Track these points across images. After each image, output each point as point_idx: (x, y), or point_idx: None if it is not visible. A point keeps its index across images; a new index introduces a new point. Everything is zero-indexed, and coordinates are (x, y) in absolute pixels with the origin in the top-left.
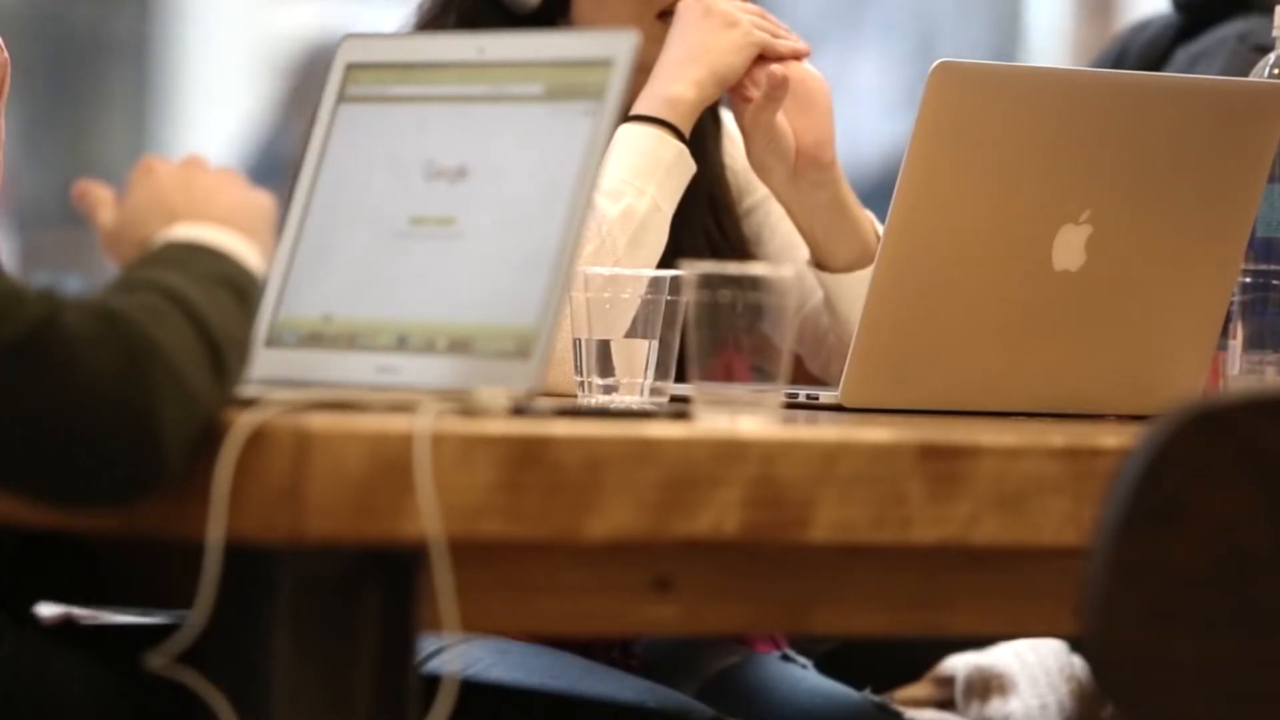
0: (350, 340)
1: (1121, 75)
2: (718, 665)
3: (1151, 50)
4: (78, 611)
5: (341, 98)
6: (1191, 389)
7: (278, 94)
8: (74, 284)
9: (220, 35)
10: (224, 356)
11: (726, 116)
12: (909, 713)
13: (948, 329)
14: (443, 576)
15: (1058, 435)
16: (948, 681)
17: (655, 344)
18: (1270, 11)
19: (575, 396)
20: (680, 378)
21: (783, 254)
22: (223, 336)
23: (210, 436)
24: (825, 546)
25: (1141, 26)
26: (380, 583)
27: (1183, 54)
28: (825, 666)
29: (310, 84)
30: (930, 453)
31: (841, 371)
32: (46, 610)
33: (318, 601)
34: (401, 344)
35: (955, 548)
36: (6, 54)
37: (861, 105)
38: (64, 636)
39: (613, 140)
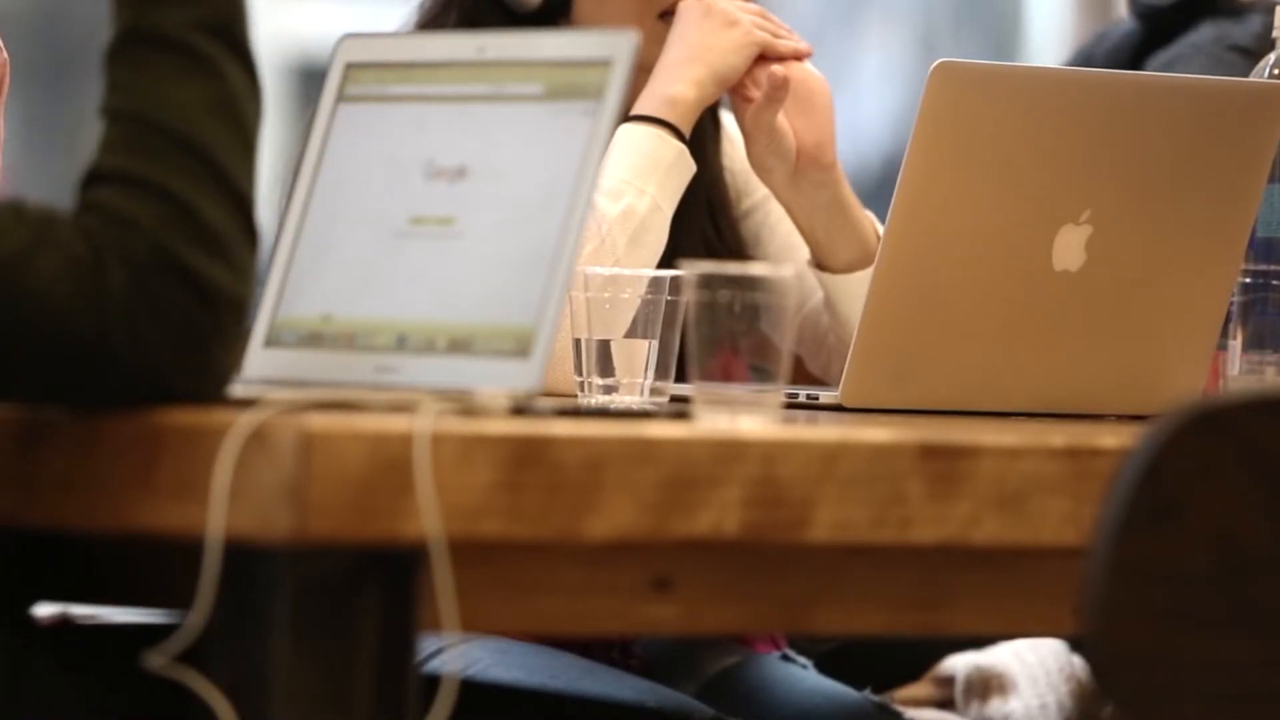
0: (350, 340)
1: (1121, 75)
2: (718, 665)
3: (1115, 58)
4: (76, 611)
5: (341, 97)
6: (1191, 389)
7: None
8: None
9: None
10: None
11: (727, 118)
12: (909, 713)
13: (948, 329)
14: (443, 576)
15: (1058, 435)
16: (948, 681)
17: (655, 344)
18: (1238, 13)
19: (575, 396)
20: (680, 378)
21: (782, 254)
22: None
23: (210, 436)
24: (825, 546)
25: (1101, 36)
26: (380, 583)
27: (1154, 62)
28: (825, 666)
29: None
30: (930, 453)
31: (841, 371)
32: (44, 610)
33: (318, 601)
34: (401, 344)
35: (955, 548)
36: (6, 54)
37: (862, 105)
38: (62, 636)
39: (613, 140)
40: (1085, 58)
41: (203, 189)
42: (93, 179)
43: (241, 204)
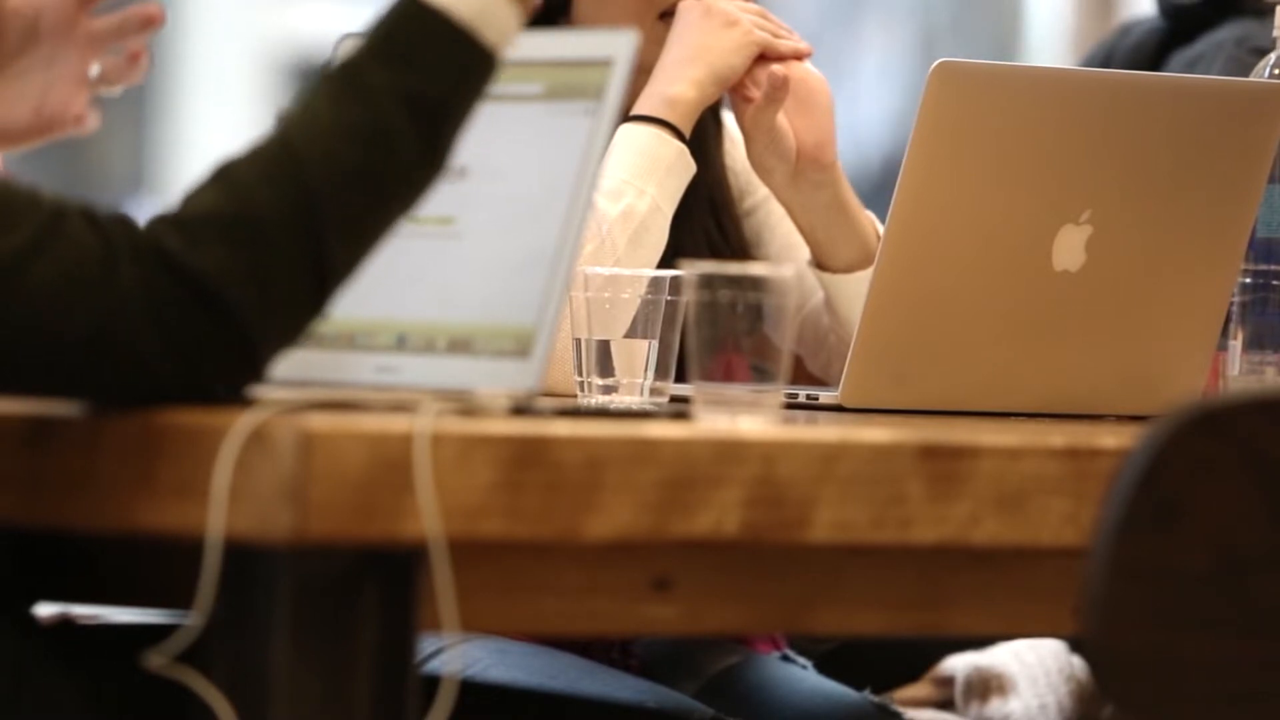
0: (350, 340)
1: (1122, 75)
2: (718, 665)
3: (1138, 54)
4: (77, 611)
5: None
6: (1191, 389)
7: None
8: None
9: (220, 35)
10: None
11: (728, 117)
12: (909, 713)
13: (948, 329)
14: (443, 576)
15: (1058, 435)
16: (948, 681)
17: (655, 344)
18: (1264, 14)
19: (575, 396)
20: (680, 378)
21: (783, 254)
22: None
23: (210, 436)
24: (825, 546)
25: (1125, 30)
26: (380, 583)
27: (1178, 59)
28: (825, 666)
29: None
30: (930, 453)
31: (841, 371)
32: (45, 610)
33: (318, 601)
34: (401, 344)
35: (955, 548)
36: None
37: (861, 105)
38: (63, 636)
39: (613, 140)
40: (1107, 52)
41: (289, 239)
42: (219, 167)
43: (321, 276)
